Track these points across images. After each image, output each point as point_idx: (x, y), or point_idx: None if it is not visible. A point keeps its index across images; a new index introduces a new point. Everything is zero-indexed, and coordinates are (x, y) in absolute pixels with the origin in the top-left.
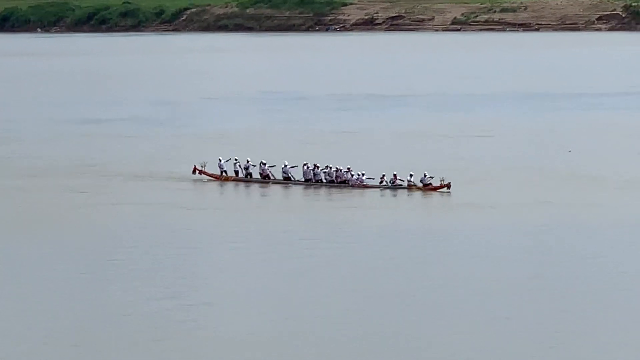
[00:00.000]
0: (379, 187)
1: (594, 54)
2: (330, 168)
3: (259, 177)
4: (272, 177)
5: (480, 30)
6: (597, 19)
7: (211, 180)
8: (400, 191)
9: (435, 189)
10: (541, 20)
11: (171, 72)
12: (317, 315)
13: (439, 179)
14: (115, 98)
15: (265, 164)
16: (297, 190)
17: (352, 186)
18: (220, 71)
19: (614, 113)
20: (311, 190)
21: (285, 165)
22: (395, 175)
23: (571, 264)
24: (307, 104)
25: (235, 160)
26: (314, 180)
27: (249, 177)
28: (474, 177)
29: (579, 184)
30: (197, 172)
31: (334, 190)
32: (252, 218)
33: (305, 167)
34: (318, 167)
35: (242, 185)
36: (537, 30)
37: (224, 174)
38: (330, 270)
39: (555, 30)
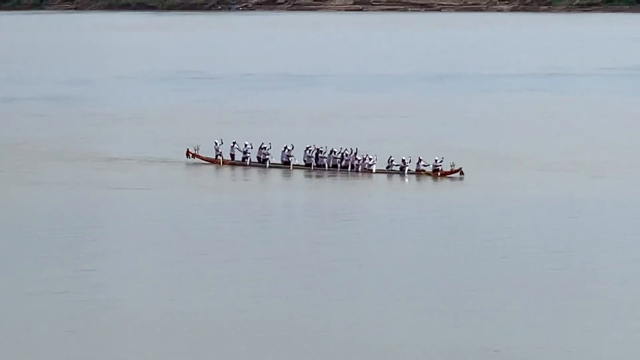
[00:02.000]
0: (386, 172)
1: (497, 35)
2: (336, 152)
3: (257, 161)
4: (270, 162)
5: (382, 10)
6: (500, 0)
7: (206, 164)
8: (408, 176)
9: (445, 174)
10: (443, 1)
11: (78, 50)
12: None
13: (449, 164)
14: (24, 76)
15: (264, 148)
16: (296, 175)
17: (358, 170)
18: (128, 50)
19: (522, 94)
20: (313, 175)
21: (286, 149)
22: (403, 160)
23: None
24: (219, 83)
25: (233, 143)
26: (315, 165)
27: (246, 161)
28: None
29: (497, 163)
30: (190, 155)
31: (337, 175)
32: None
33: (308, 151)
34: (322, 151)
35: (238, 169)
36: (439, 10)
37: (219, 157)
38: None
39: (458, 10)
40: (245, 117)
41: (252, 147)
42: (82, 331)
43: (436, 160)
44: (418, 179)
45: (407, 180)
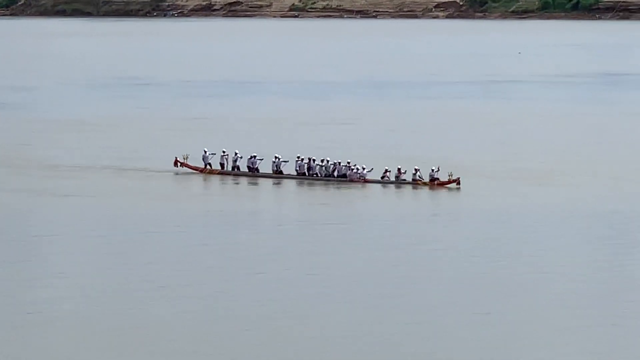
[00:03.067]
0: (381, 183)
1: (435, 42)
2: (328, 162)
3: (246, 170)
4: (259, 171)
5: (318, 17)
6: (435, 7)
7: (194, 173)
8: (404, 187)
9: (443, 184)
10: (379, 8)
11: (15, 56)
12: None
13: (446, 174)
14: None
15: (255, 157)
16: (289, 185)
17: (352, 181)
18: (65, 56)
19: (463, 101)
20: (305, 185)
21: (277, 158)
22: (399, 169)
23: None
24: (159, 90)
25: (223, 152)
26: (308, 175)
27: (236, 170)
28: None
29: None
30: (178, 164)
31: (330, 185)
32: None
33: (300, 161)
34: (314, 161)
35: (228, 178)
36: (375, 17)
37: (208, 166)
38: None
39: (393, 17)
40: (189, 124)
41: (241, 157)
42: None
43: (433, 170)
44: (414, 189)
45: (402, 190)
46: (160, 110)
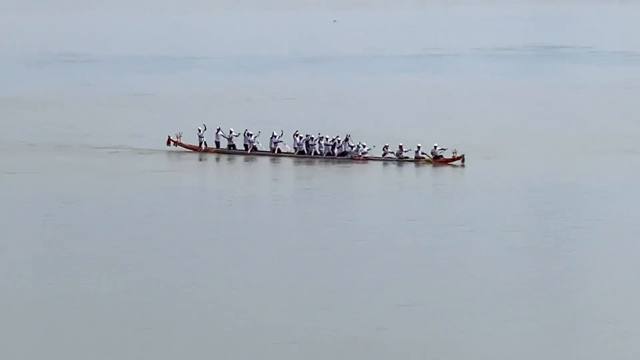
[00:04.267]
0: (383, 160)
1: (369, 16)
2: (327, 139)
3: (243, 148)
4: (259, 149)
5: None
6: None
7: (189, 151)
8: (406, 164)
9: (447, 161)
10: None
11: None
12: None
13: (451, 151)
14: None
15: (250, 135)
16: (287, 163)
17: (353, 159)
18: None
19: (404, 75)
20: (304, 163)
21: (274, 136)
22: (401, 146)
23: None
24: (95, 66)
25: (217, 130)
26: (307, 153)
27: (231, 148)
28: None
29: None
30: (172, 143)
31: (331, 163)
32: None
33: (298, 138)
34: (313, 138)
35: (223, 157)
36: None
37: (203, 145)
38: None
39: None
40: (128, 101)
41: (237, 135)
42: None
43: (435, 147)
44: (417, 166)
45: (404, 167)
46: (99, 86)
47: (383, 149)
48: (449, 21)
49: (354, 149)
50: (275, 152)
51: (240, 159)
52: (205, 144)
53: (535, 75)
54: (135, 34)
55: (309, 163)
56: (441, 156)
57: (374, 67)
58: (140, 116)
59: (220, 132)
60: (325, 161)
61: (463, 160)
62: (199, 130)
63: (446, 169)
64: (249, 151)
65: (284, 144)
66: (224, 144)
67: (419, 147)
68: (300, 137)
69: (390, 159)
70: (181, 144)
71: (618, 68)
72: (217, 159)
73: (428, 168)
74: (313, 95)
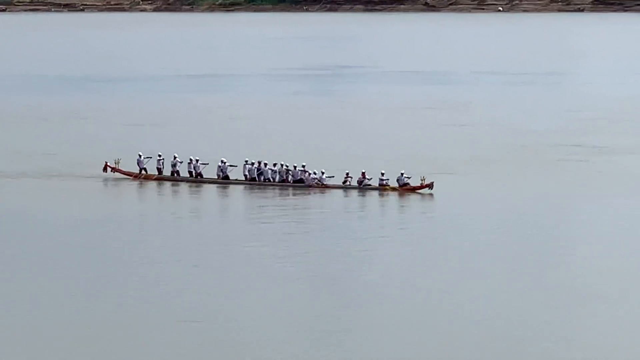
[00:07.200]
0: (343, 188)
1: (145, 35)
2: (282, 165)
3: (187, 175)
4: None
5: (25, 10)
6: (142, 0)
7: (127, 178)
8: (370, 192)
9: (414, 189)
10: (86, 1)
11: None
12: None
13: (419, 178)
14: None
15: (197, 161)
16: (236, 191)
17: (310, 186)
18: None
19: (191, 95)
20: (256, 191)
21: (223, 163)
22: (363, 173)
23: None
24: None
25: (159, 156)
26: (259, 180)
27: (175, 175)
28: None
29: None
30: (109, 169)
31: (285, 191)
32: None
33: (250, 165)
34: (266, 165)
35: (167, 184)
36: (82, 10)
37: (143, 172)
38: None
39: (101, 10)
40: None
41: (181, 161)
42: None
43: (402, 174)
44: (381, 195)
45: (367, 196)
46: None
47: (345, 177)
48: (240, 40)
49: (311, 176)
50: (227, 178)
51: (184, 186)
52: (146, 170)
53: (331, 95)
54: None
55: (262, 190)
56: (408, 184)
57: (162, 87)
58: (69, 135)
59: (161, 159)
60: (279, 189)
61: (431, 187)
62: (139, 156)
63: (413, 196)
64: (194, 178)
65: (232, 169)
66: (167, 171)
67: (382, 174)
68: (252, 164)
69: (351, 187)
70: (119, 171)
71: (409, 87)
72: (159, 186)
73: (393, 196)
74: (108, 115)
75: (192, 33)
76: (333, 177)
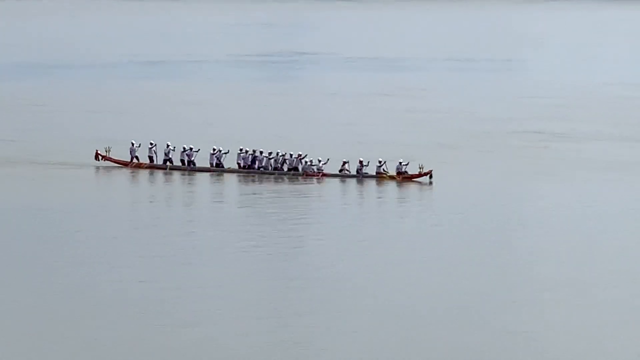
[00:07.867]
0: (340, 176)
1: (91, 23)
2: (278, 154)
3: (180, 164)
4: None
5: None
6: None
7: (119, 167)
8: (367, 181)
9: (412, 177)
10: None
11: None
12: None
13: (417, 167)
14: None
15: (192, 149)
16: (232, 180)
17: (307, 175)
18: None
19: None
20: (251, 180)
21: (218, 151)
22: (361, 162)
23: None
24: None
25: (151, 144)
26: (255, 168)
27: (167, 163)
28: None
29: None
30: (100, 157)
31: (281, 179)
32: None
33: (244, 153)
34: (261, 152)
35: (159, 173)
36: None
37: (135, 160)
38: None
39: None
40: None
41: (174, 149)
42: None
43: (400, 163)
44: (378, 184)
45: (364, 184)
46: None
47: (342, 165)
48: (196, 27)
49: (308, 164)
50: (220, 166)
51: (177, 174)
52: (137, 158)
53: (288, 82)
54: None
55: (258, 179)
56: (406, 172)
57: (117, 74)
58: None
59: (154, 147)
60: (275, 177)
61: (431, 176)
62: (132, 144)
63: (412, 185)
64: (187, 166)
65: (225, 156)
66: (159, 159)
67: (380, 162)
68: (246, 152)
69: (348, 175)
70: (110, 159)
71: (367, 74)
72: (151, 175)
73: (392, 185)
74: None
75: (146, 20)
76: (328, 160)
